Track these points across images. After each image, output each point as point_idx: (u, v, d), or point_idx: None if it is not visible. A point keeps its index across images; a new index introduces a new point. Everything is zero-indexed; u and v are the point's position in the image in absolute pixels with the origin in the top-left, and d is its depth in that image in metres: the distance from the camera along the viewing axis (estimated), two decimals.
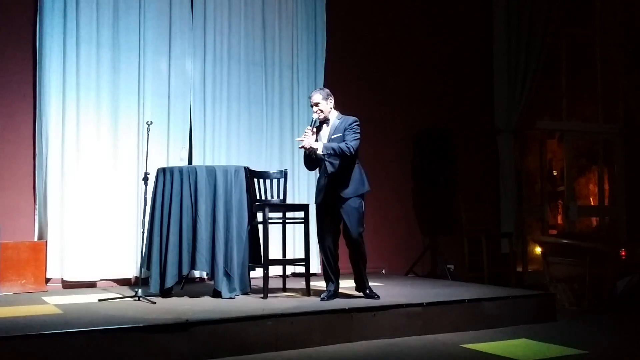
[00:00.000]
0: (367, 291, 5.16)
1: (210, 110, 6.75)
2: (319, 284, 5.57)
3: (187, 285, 5.82)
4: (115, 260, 6.19)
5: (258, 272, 5.44)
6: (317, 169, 5.26)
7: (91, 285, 6.10)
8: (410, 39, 7.99)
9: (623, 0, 9.03)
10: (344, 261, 5.24)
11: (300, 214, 5.53)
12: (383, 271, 7.43)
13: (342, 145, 4.97)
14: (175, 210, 5.29)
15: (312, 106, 5.17)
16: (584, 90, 9.55)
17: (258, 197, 5.64)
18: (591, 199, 9.74)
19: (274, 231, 5.75)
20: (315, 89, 5.32)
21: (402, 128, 7.84)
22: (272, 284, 5.46)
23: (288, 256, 6.04)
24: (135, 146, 6.36)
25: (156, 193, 5.43)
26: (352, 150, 4.98)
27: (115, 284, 6.19)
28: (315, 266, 6.84)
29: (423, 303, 4.94)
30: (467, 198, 7.88)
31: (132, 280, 6.21)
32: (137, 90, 6.42)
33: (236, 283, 5.26)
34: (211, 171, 5.34)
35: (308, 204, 5.59)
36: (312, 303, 4.94)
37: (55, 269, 6.02)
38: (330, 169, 5.04)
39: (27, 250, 5.85)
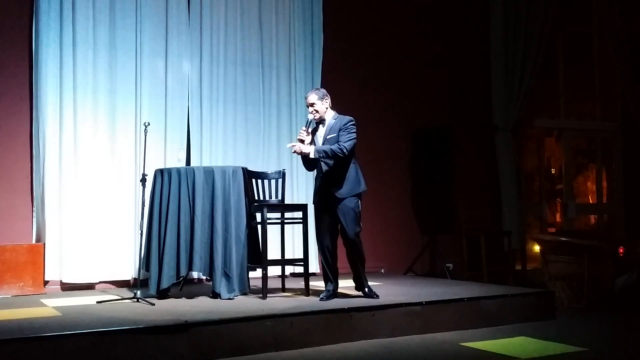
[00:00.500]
0: (366, 290, 5.16)
1: (207, 111, 6.74)
2: (318, 284, 5.57)
3: (185, 287, 5.82)
4: (113, 262, 6.18)
5: (257, 273, 5.44)
6: (316, 169, 5.26)
7: (89, 287, 6.08)
8: (407, 38, 7.99)
9: None
10: (342, 261, 5.24)
11: (299, 214, 5.53)
12: (382, 270, 7.42)
13: (334, 147, 4.98)
14: (173, 211, 5.28)
15: (307, 106, 5.17)
16: (582, 88, 9.56)
17: (256, 198, 5.63)
18: (589, 197, 9.74)
19: (273, 231, 5.75)
20: (312, 89, 5.32)
21: (400, 127, 7.84)
22: (271, 284, 5.45)
23: (287, 256, 6.03)
24: (132, 147, 6.36)
25: (154, 194, 5.42)
26: (345, 150, 4.97)
27: (114, 286, 6.18)
28: (314, 266, 6.83)
29: (422, 302, 4.94)
30: (465, 197, 7.88)
31: (131, 282, 6.20)
32: (134, 91, 6.41)
33: (235, 284, 5.25)
34: (209, 172, 5.33)
35: (306, 204, 5.58)
36: (311, 303, 4.94)
37: (54, 271, 6.01)
38: (325, 168, 5.06)
39: (25, 253, 5.84)
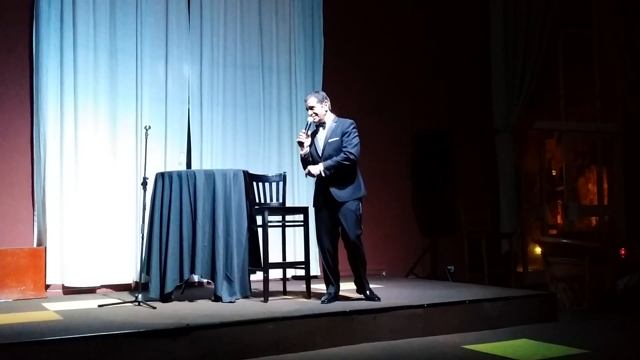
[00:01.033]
0: (368, 293, 5.16)
1: (208, 114, 6.74)
2: (320, 287, 5.57)
3: (187, 290, 5.82)
4: (115, 265, 6.18)
5: (258, 276, 5.43)
6: None
7: (91, 291, 6.08)
8: (408, 40, 8.00)
9: (620, 0, 9.04)
10: (343, 263, 5.24)
11: (300, 217, 5.53)
12: (383, 273, 7.42)
13: (340, 158, 4.99)
14: (174, 214, 5.28)
15: (307, 109, 5.18)
16: (582, 90, 9.56)
17: (257, 201, 5.63)
18: (590, 199, 9.74)
19: (274, 234, 5.75)
20: (311, 92, 5.31)
21: (401, 129, 7.84)
22: (272, 287, 5.45)
23: (288, 259, 6.03)
24: (133, 151, 6.36)
25: (155, 198, 5.42)
26: (353, 157, 5.01)
27: (115, 290, 6.17)
28: (316, 269, 6.83)
29: (424, 304, 4.94)
30: (466, 199, 7.88)
31: (132, 286, 6.20)
32: (134, 95, 6.41)
33: (236, 287, 5.25)
34: (210, 175, 5.34)
35: (307, 207, 5.59)
36: (312, 306, 4.94)
37: (55, 275, 6.01)
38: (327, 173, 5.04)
39: (26, 257, 5.84)
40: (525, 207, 8.72)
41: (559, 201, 9.40)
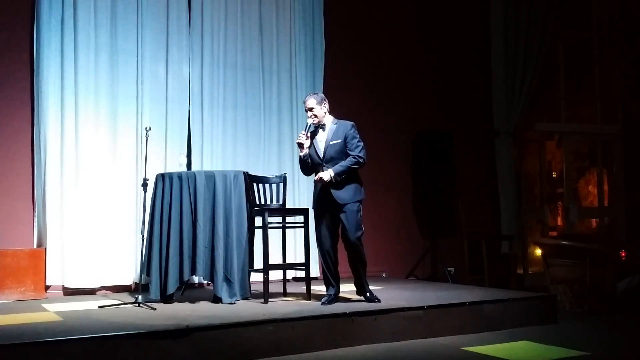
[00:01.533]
0: (368, 295, 5.15)
1: (208, 115, 6.74)
2: (320, 288, 5.56)
3: (187, 291, 5.81)
4: (115, 266, 6.18)
5: (258, 277, 5.43)
6: (314, 174, 5.26)
7: (91, 292, 6.08)
8: (408, 42, 8.00)
9: (620, 2, 9.04)
10: (343, 265, 5.24)
11: (300, 219, 5.53)
12: (383, 275, 7.42)
13: (350, 162, 5.02)
14: (175, 216, 5.28)
15: (306, 111, 5.18)
16: (582, 92, 9.56)
17: (257, 202, 5.63)
18: (590, 201, 9.74)
19: (274, 236, 5.74)
20: (309, 94, 5.31)
21: (402, 131, 7.84)
22: (272, 288, 5.44)
23: (288, 261, 6.03)
24: (134, 152, 6.36)
25: (155, 199, 5.42)
26: (362, 160, 5.05)
27: (115, 291, 6.17)
28: (316, 270, 6.83)
29: (424, 306, 4.93)
30: (466, 201, 7.88)
31: (132, 287, 6.19)
32: (135, 96, 6.41)
33: (236, 288, 5.25)
34: (210, 176, 5.34)
35: (307, 208, 5.59)
36: (312, 307, 4.93)
37: (55, 276, 6.00)
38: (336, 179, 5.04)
39: (26, 258, 5.84)
40: (525, 208, 8.71)
41: (559, 203, 9.40)
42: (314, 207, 5.24)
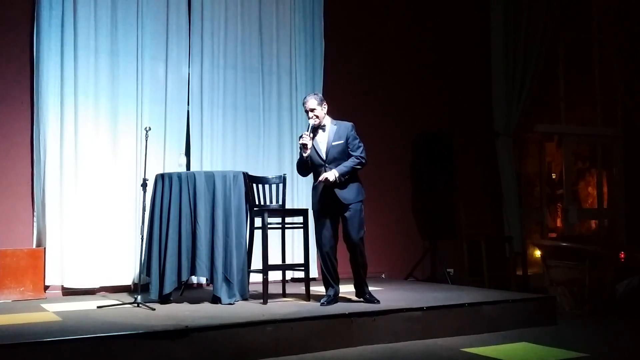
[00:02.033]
0: (367, 296, 5.16)
1: (208, 116, 6.74)
2: (319, 289, 5.56)
3: (186, 291, 5.81)
4: (114, 267, 6.18)
5: (257, 277, 5.43)
6: (312, 175, 5.26)
7: (90, 292, 6.08)
8: (408, 43, 8.00)
9: (620, 3, 9.05)
10: (342, 266, 5.24)
11: (299, 219, 5.53)
12: (383, 276, 7.42)
13: (353, 163, 5.06)
14: (174, 216, 5.28)
15: (307, 112, 5.16)
16: (582, 94, 9.57)
17: (257, 203, 5.63)
18: (590, 202, 9.74)
19: (273, 236, 5.74)
20: (309, 95, 5.29)
21: (401, 132, 7.85)
22: (271, 289, 5.44)
23: (287, 261, 6.03)
24: (133, 152, 6.36)
25: (155, 199, 5.42)
26: (365, 161, 5.12)
27: (114, 291, 6.16)
28: (315, 271, 6.82)
29: (423, 307, 4.93)
30: (466, 202, 7.88)
31: (132, 287, 6.19)
32: (135, 96, 6.41)
33: (236, 289, 5.25)
34: (210, 177, 5.34)
35: (307, 209, 5.58)
36: (312, 308, 4.93)
37: (54, 276, 6.00)
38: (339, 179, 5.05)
39: (25, 258, 5.84)
40: (525, 210, 8.71)
41: (558, 204, 9.40)
42: (315, 208, 5.22)
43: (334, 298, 5.11)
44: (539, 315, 5.42)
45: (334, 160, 5.08)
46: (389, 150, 7.73)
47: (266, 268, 5.24)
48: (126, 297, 5.63)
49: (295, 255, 6.84)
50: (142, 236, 5.24)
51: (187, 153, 6.59)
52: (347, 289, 5.39)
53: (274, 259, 5.87)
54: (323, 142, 5.13)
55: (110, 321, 4.41)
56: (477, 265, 7.61)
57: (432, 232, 7.87)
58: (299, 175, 5.51)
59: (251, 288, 5.50)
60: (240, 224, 5.34)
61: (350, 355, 4.34)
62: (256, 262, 5.55)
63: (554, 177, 9.58)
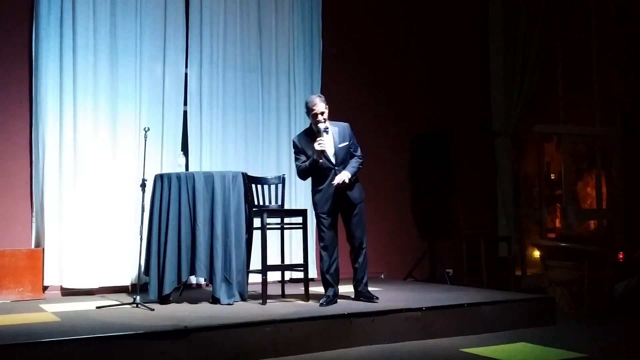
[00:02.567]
0: (367, 293, 5.22)
1: (207, 116, 6.74)
2: (318, 290, 5.56)
3: (185, 292, 5.81)
4: (113, 267, 6.17)
5: (256, 278, 5.43)
6: (311, 178, 5.27)
7: (89, 292, 6.07)
8: (407, 44, 8.00)
9: (618, 4, 9.06)
10: (342, 266, 5.26)
11: (298, 219, 5.53)
12: (382, 276, 7.42)
13: (357, 163, 5.20)
14: (173, 216, 5.28)
15: (315, 115, 5.08)
16: (581, 94, 9.57)
17: (256, 203, 5.63)
18: (589, 203, 9.74)
19: (272, 237, 5.74)
20: (314, 96, 5.22)
21: (400, 132, 7.85)
22: (270, 289, 5.44)
23: (286, 262, 6.02)
24: (132, 152, 6.36)
25: (154, 199, 5.42)
26: (363, 161, 5.26)
27: (113, 292, 6.16)
28: (314, 272, 6.83)
29: (422, 308, 4.93)
30: (465, 202, 7.88)
31: (130, 288, 6.19)
32: (134, 96, 6.41)
33: (235, 289, 5.25)
34: (209, 177, 5.33)
35: (306, 209, 5.59)
36: (311, 308, 4.93)
37: (53, 277, 6.00)
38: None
39: (24, 258, 5.84)
40: (524, 210, 8.72)
41: (557, 205, 9.41)
42: (322, 210, 5.15)
43: (333, 298, 5.12)
44: (537, 315, 5.42)
45: (342, 162, 5.13)
46: (388, 151, 7.73)
47: (265, 268, 5.23)
48: (125, 298, 5.63)
49: (294, 256, 6.84)
50: (141, 237, 5.24)
51: (186, 153, 6.59)
52: (346, 289, 5.39)
53: (273, 259, 5.88)
54: (330, 145, 5.11)
55: (109, 321, 4.41)
56: (475, 265, 7.62)
57: (431, 232, 7.87)
58: (303, 180, 5.48)
59: (250, 288, 5.50)
60: (240, 225, 5.34)
61: (349, 356, 4.34)
62: (255, 263, 5.55)
63: (552, 177, 9.59)
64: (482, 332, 5.03)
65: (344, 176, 5.04)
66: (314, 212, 5.29)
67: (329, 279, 5.14)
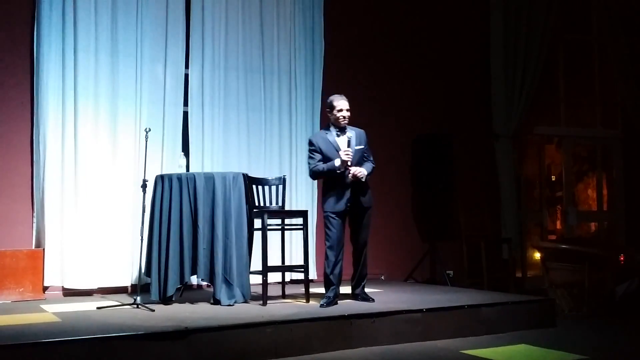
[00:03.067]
0: (364, 295, 5.28)
1: (208, 116, 6.74)
2: (318, 291, 5.56)
3: (185, 293, 5.81)
4: (114, 267, 6.17)
5: (257, 279, 5.43)
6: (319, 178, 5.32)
7: (89, 293, 6.07)
8: (408, 45, 8.00)
9: (620, 6, 9.05)
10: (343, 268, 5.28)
11: (299, 220, 5.53)
12: (382, 277, 7.41)
13: (371, 167, 5.31)
14: (175, 217, 5.28)
15: (341, 111, 5.18)
16: (582, 96, 9.57)
17: (257, 204, 5.63)
18: (590, 204, 9.74)
19: (273, 238, 5.74)
20: (337, 95, 5.27)
21: (401, 134, 7.85)
22: (271, 290, 5.44)
23: (287, 263, 6.02)
24: (133, 153, 6.36)
25: (155, 200, 5.42)
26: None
27: (114, 292, 6.16)
28: (314, 273, 6.83)
29: (422, 309, 4.93)
30: (466, 204, 7.88)
31: (131, 288, 6.19)
32: (135, 97, 6.42)
33: (235, 290, 5.25)
34: (209, 178, 5.33)
35: (307, 211, 5.59)
36: (311, 310, 4.93)
37: (54, 277, 6.00)
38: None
39: (25, 258, 5.84)
40: (524, 212, 8.71)
41: (558, 207, 9.40)
42: (333, 210, 5.16)
43: (334, 299, 5.12)
44: (538, 317, 5.42)
45: (357, 164, 5.18)
46: (389, 152, 7.71)
47: (266, 269, 5.23)
48: (125, 298, 5.63)
49: (294, 257, 6.84)
50: (142, 237, 5.24)
51: (187, 154, 6.59)
52: (345, 290, 5.39)
53: (274, 260, 5.88)
54: (345, 145, 5.15)
55: (109, 322, 4.41)
56: (476, 267, 7.61)
57: (432, 233, 7.87)
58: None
59: (251, 289, 5.49)
60: (240, 225, 5.34)
61: (350, 357, 4.34)
62: (256, 264, 5.55)
63: (553, 179, 9.58)
64: (483, 333, 5.03)
65: (362, 171, 5.11)
66: (321, 212, 5.35)
67: (332, 279, 5.15)
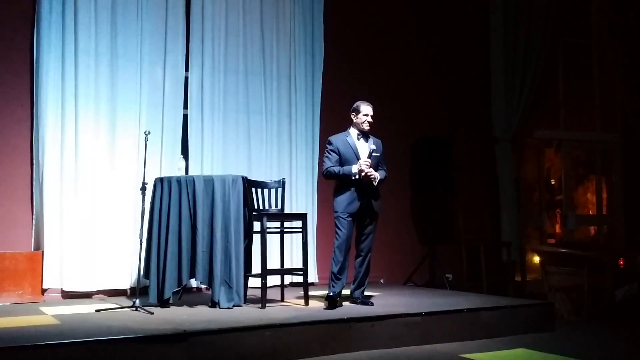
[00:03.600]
0: (363, 298, 5.29)
1: (208, 119, 6.74)
2: (317, 293, 5.56)
3: (184, 295, 5.81)
4: (113, 270, 6.17)
5: (256, 282, 5.43)
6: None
7: (88, 295, 6.07)
8: (408, 49, 8.02)
9: (619, 9, 9.07)
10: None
11: (298, 224, 5.53)
12: (381, 281, 7.41)
13: (384, 175, 5.39)
14: (173, 220, 5.28)
15: (367, 115, 5.35)
16: (582, 100, 9.57)
17: (256, 207, 5.63)
18: (589, 208, 9.74)
19: (272, 241, 5.74)
20: (363, 101, 5.43)
21: (401, 137, 7.84)
22: (270, 294, 5.44)
23: (286, 266, 6.02)
24: (133, 156, 6.35)
25: (154, 203, 5.42)
26: None
27: (113, 295, 6.16)
28: (314, 276, 6.83)
29: (422, 313, 4.93)
30: (465, 207, 7.88)
31: (130, 291, 6.18)
32: (135, 100, 6.42)
33: (234, 293, 5.25)
34: (209, 181, 5.34)
35: (306, 213, 5.59)
36: (310, 313, 4.93)
37: (53, 279, 5.99)
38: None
39: (24, 261, 5.83)
40: (524, 216, 8.71)
41: (557, 210, 9.40)
42: (344, 211, 5.22)
43: (339, 295, 5.17)
44: (537, 321, 5.41)
45: (374, 169, 5.24)
46: (389, 155, 7.66)
47: (265, 272, 5.23)
48: (124, 301, 5.63)
49: (294, 260, 6.84)
50: (141, 240, 5.24)
51: (186, 157, 6.59)
52: (344, 293, 5.39)
53: (273, 263, 5.88)
54: (365, 150, 5.26)
55: (108, 325, 4.40)
56: (475, 270, 7.61)
57: (431, 237, 7.87)
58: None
59: (250, 292, 5.50)
60: (239, 228, 5.34)
61: None
62: (255, 267, 5.55)
63: (553, 182, 9.59)
64: (482, 337, 5.03)
65: (375, 174, 5.21)
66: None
67: (339, 276, 5.19)
